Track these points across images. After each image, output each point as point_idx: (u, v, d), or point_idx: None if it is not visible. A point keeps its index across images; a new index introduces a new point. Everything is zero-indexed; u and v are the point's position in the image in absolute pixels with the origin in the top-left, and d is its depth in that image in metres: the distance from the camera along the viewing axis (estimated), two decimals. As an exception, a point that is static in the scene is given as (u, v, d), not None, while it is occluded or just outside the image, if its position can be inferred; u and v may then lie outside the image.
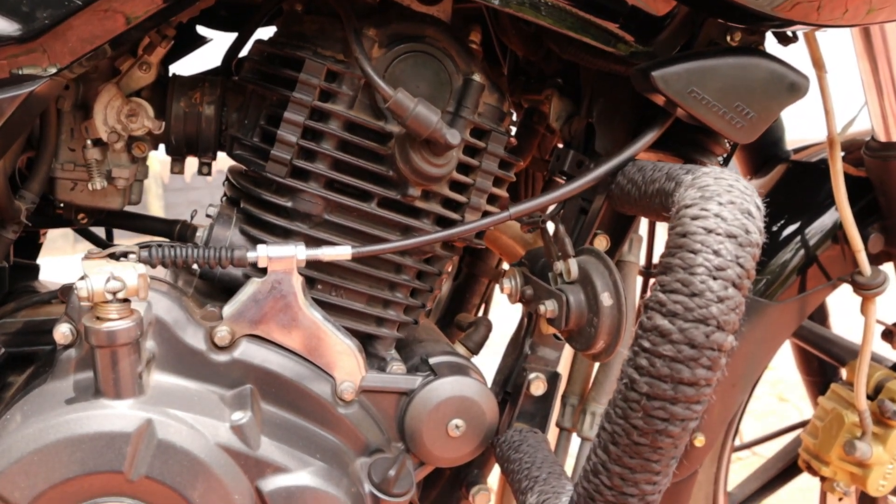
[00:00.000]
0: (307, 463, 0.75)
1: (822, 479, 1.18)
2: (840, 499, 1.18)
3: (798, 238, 1.13)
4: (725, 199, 0.59)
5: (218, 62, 0.96)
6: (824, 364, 1.36)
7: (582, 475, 0.65)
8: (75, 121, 0.86)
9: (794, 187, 1.19)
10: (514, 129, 1.01)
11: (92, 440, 0.68)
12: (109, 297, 0.68)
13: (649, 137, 0.86)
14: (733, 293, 0.56)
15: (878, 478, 1.11)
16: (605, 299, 0.81)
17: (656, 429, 0.57)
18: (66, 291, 0.82)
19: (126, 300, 0.69)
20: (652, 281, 1.14)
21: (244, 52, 0.98)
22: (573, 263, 0.84)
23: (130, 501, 0.70)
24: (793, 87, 0.86)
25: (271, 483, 0.73)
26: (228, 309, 0.78)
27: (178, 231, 0.99)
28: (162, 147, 0.90)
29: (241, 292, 0.79)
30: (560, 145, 1.12)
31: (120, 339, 0.68)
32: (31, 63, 0.68)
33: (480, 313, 1.15)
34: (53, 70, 0.69)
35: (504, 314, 1.24)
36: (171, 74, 0.90)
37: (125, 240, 0.99)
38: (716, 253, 0.56)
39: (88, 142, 0.83)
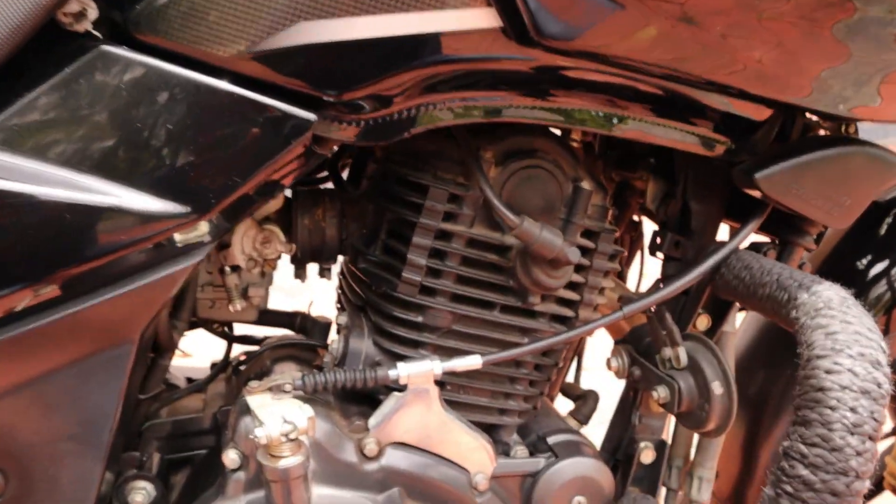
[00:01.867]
0: (457, 560, 0.84)
1: (905, 500, 1.24)
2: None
3: (883, 279, 1.17)
4: (856, 352, 0.65)
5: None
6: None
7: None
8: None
9: (875, 226, 1.22)
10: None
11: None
12: (283, 439, 0.75)
13: (749, 229, 0.91)
14: (870, 446, 0.62)
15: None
16: (716, 388, 0.88)
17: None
18: (224, 415, 0.90)
19: (296, 439, 0.77)
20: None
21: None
22: (682, 351, 0.91)
23: None
24: (888, 169, 0.89)
25: (430, 583, 0.82)
26: (374, 421, 0.85)
27: (298, 323, 1.06)
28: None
29: (384, 405, 0.86)
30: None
31: (294, 474, 0.76)
32: (195, 232, 0.74)
33: (574, 364, 1.21)
34: (211, 238, 0.75)
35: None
36: (292, 192, 0.95)
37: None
38: (852, 410, 0.62)
39: (227, 268, 0.90)
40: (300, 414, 0.76)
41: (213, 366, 1.09)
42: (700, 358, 0.90)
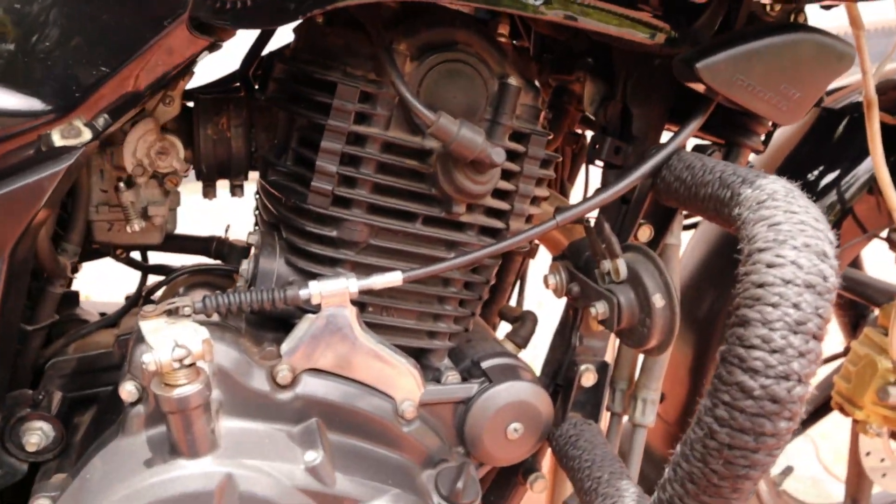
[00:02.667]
0: (380, 490, 0.78)
1: (855, 420, 1.21)
2: (872, 438, 1.22)
3: (834, 190, 1.12)
4: (800, 242, 0.58)
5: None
6: (856, 301, 1.38)
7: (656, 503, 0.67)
8: (103, 158, 0.83)
9: (828, 134, 1.16)
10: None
11: (178, 502, 0.70)
12: (177, 365, 0.68)
13: (691, 128, 0.84)
14: (814, 346, 0.56)
15: (911, 419, 1.14)
16: (658, 301, 0.81)
17: (737, 474, 0.58)
18: (123, 345, 0.82)
19: (192, 365, 0.69)
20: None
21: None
22: (622, 263, 0.84)
23: (220, 551, 0.72)
24: (840, 59, 0.83)
25: (350, 517, 0.76)
26: (286, 346, 0.78)
27: (214, 248, 0.98)
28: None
29: (297, 329, 0.79)
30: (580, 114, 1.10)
31: (192, 403, 0.69)
32: (64, 134, 0.65)
33: (517, 291, 1.15)
34: (88, 137, 0.66)
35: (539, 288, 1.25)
36: (193, 100, 0.86)
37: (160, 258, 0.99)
38: (795, 306, 0.56)
39: (121, 184, 0.81)
40: (194, 337, 0.69)
41: (127, 299, 1.00)
42: (641, 270, 0.83)
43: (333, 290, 0.76)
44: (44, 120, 0.63)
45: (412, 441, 0.83)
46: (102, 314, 1.03)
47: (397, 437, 0.82)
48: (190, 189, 0.94)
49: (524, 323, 0.98)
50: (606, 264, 0.85)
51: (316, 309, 0.78)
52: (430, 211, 0.81)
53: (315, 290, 0.76)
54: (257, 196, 0.93)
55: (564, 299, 0.95)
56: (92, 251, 0.92)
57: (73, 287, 1.03)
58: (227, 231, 0.99)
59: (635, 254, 0.85)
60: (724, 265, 1.26)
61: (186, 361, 0.68)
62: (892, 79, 1.15)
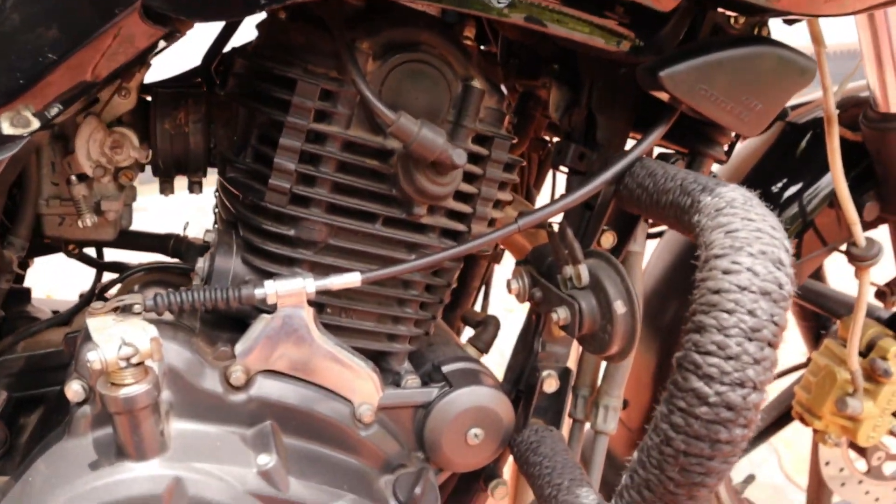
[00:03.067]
0: (336, 496, 0.76)
1: (815, 430, 1.22)
2: (831, 448, 1.23)
3: (796, 202, 1.12)
4: (756, 249, 0.58)
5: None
6: (818, 313, 1.39)
7: (614, 511, 0.67)
8: (55, 154, 0.81)
9: (791, 148, 1.17)
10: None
11: (122, 505, 0.68)
12: (123, 363, 0.66)
13: (654, 136, 0.84)
14: (769, 353, 0.56)
15: (867, 430, 1.15)
16: (619, 307, 0.81)
17: (693, 482, 0.58)
18: (71, 343, 0.80)
19: (139, 364, 0.67)
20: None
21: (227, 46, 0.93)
22: (583, 269, 0.83)
23: (167, 557, 0.70)
24: (801, 73, 0.83)
25: (303, 523, 0.74)
26: (241, 347, 0.77)
27: (172, 246, 0.96)
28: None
29: (252, 329, 0.77)
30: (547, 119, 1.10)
31: (139, 403, 0.67)
32: (12, 122, 0.63)
33: (481, 295, 1.14)
34: (36, 126, 0.64)
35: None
36: (151, 94, 0.84)
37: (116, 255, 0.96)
38: (750, 313, 0.56)
39: (73, 178, 0.79)
40: (143, 335, 0.67)
41: (81, 297, 0.98)
42: (603, 276, 0.83)
43: (290, 290, 0.75)
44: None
45: (370, 446, 0.82)
46: (55, 312, 1.00)
47: (354, 441, 0.81)
48: (149, 188, 0.92)
49: (486, 327, 0.97)
50: (568, 270, 0.85)
51: (272, 309, 0.76)
52: (390, 212, 0.80)
53: (271, 289, 0.74)
54: (216, 193, 0.92)
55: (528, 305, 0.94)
56: (43, 246, 0.90)
57: (33, 285, 1.00)
58: (185, 229, 0.97)
59: (597, 260, 0.85)
60: (688, 274, 1.25)
61: (134, 360, 0.66)
62: (853, 96, 1.17)
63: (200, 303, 0.74)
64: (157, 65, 0.85)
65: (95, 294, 0.96)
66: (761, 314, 0.56)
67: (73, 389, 0.72)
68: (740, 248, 0.59)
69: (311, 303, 0.77)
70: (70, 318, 0.95)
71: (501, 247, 1.09)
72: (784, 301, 0.57)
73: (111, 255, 0.99)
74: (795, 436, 1.77)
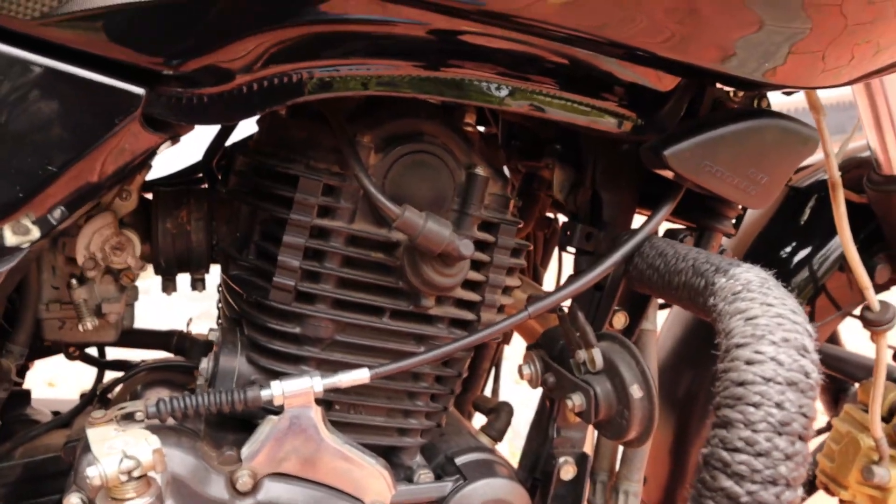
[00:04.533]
0: None
1: (841, 501, 1.18)
2: (861, 519, 1.18)
3: (806, 267, 1.11)
4: (779, 337, 0.56)
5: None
6: (835, 377, 1.36)
7: None
8: (54, 256, 0.80)
9: (796, 213, 1.17)
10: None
11: None
12: (125, 477, 0.63)
13: (662, 214, 0.83)
14: (800, 447, 0.53)
15: (899, 500, 1.11)
16: (635, 391, 0.79)
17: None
18: (70, 453, 0.77)
19: (142, 476, 0.65)
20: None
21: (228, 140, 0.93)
22: (597, 353, 0.81)
23: None
24: (804, 143, 0.83)
25: None
26: (247, 450, 0.74)
27: (175, 344, 0.94)
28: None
29: (258, 432, 0.74)
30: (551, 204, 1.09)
31: (141, 525, 0.64)
32: (14, 232, 0.62)
33: (492, 376, 1.12)
34: (37, 236, 0.63)
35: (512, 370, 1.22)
36: (152, 192, 0.84)
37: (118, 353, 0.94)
38: (778, 406, 0.53)
39: (74, 281, 0.78)
40: (144, 447, 0.65)
41: (82, 396, 0.95)
42: (617, 359, 0.81)
43: (297, 390, 0.73)
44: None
45: (382, 548, 0.78)
46: (56, 413, 0.98)
47: (366, 544, 0.77)
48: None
49: (499, 415, 0.94)
50: (581, 354, 0.83)
51: (279, 409, 0.74)
52: (397, 305, 0.78)
53: (277, 390, 0.72)
54: (220, 290, 0.90)
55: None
56: (43, 349, 0.88)
57: (35, 373, 0.98)
58: (188, 325, 0.96)
59: (611, 343, 0.83)
60: (701, 344, 1.24)
61: (135, 473, 0.64)
62: (854, 157, 1.16)
63: (205, 407, 0.71)
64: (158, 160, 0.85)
65: (97, 394, 0.94)
66: (789, 406, 0.54)
67: (72, 503, 0.69)
68: (762, 337, 0.57)
69: (318, 401, 0.75)
70: (70, 419, 0.92)
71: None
72: (812, 391, 0.55)
73: (113, 353, 0.97)
74: None
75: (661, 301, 0.97)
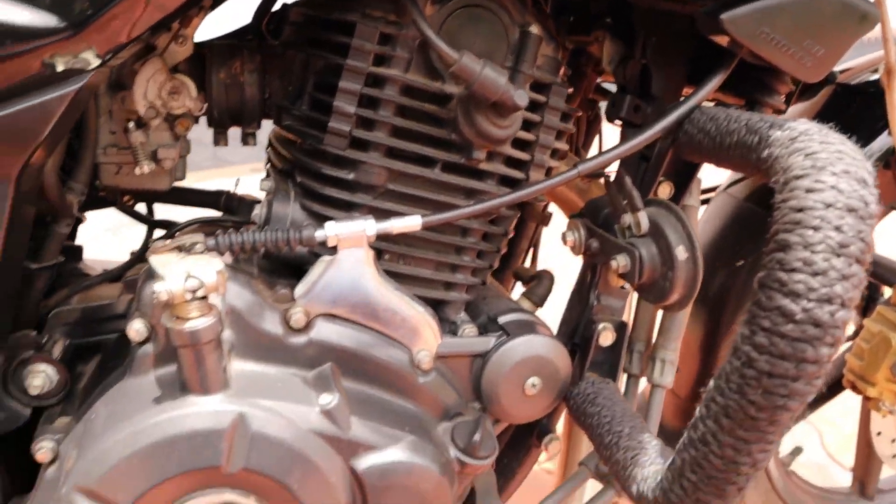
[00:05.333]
0: (396, 438, 0.75)
1: (867, 398, 1.20)
2: (884, 416, 1.20)
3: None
4: (839, 169, 0.57)
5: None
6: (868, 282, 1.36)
7: (686, 443, 0.65)
8: (112, 101, 0.81)
9: (843, 111, 1.16)
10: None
11: (188, 439, 0.67)
12: (189, 296, 0.66)
13: (715, 82, 0.83)
14: (857, 270, 0.54)
15: (926, 395, 1.13)
16: (680, 253, 0.80)
17: (775, 405, 0.56)
18: (132, 285, 0.80)
19: (204, 297, 0.67)
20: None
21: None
22: (643, 216, 0.82)
23: (231, 492, 0.70)
24: (863, 19, 0.82)
25: (365, 462, 0.73)
26: (301, 289, 0.76)
27: (223, 202, 0.96)
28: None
29: (311, 272, 0.77)
30: (599, 80, 1.09)
31: (203, 337, 0.67)
32: (74, 56, 0.63)
33: (529, 257, 1.13)
34: (97, 62, 0.64)
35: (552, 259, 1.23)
36: (206, 48, 0.84)
37: (166, 213, 0.96)
38: (837, 229, 0.54)
39: (131, 124, 0.79)
40: (208, 268, 0.67)
41: (132, 255, 0.98)
42: (663, 223, 0.82)
43: (350, 232, 0.74)
44: (51, 40, 0.61)
45: (428, 392, 0.81)
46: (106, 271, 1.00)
47: (413, 387, 0.80)
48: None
49: (541, 281, 0.96)
50: (627, 218, 0.84)
51: (332, 252, 0.76)
52: (449, 157, 0.79)
53: (332, 230, 0.74)
54: (268, 149, 0.91)
55: (578, 269, 0.93)
56: (98, 200, 0.90)
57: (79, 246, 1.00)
58: (236, 185, 0.97)
59: (657, 208, 0.84)
60: (735, 242, 1.25)
61: (199, 293, 0.66)
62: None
63: (262, 244, 0.73)
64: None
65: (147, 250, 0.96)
66: (848, 230, 0.54)
67: (135, 329, 0.72)
68: (822, 168, 0.58)
69: (371, 248, 0.76)
70: (122, 274, 0.95)
71: (550, 211, 1.08)
72: (870, 219, 0.56)
73: (162, 213, 0.99)
74: (839, 416, 1.74)
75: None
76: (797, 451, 1.38)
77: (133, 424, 0.68)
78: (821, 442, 1.70)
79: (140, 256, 0.96)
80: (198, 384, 0.69)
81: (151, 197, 0.93)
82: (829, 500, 1.42)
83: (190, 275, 0.66)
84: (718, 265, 1.26)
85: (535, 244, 1.11)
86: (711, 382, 0.62)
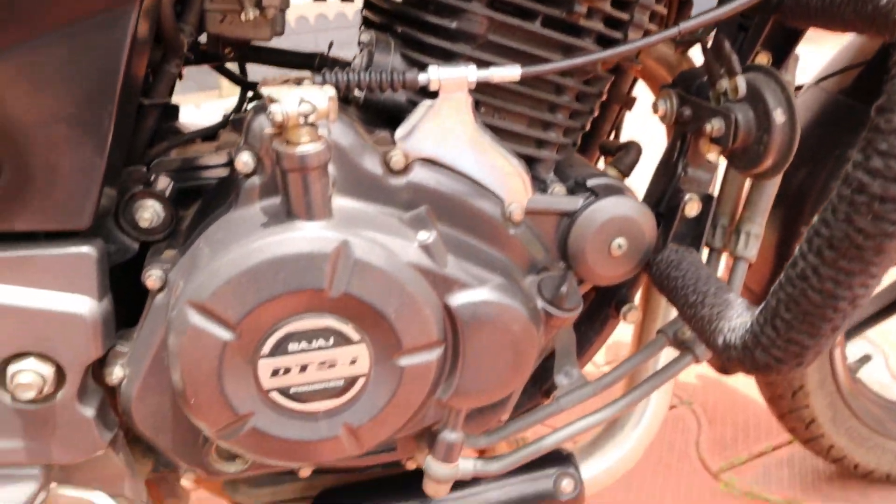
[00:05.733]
0: (488, 279, 0.78)
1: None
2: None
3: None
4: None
5: None
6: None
7: (783, 281, 0.66)
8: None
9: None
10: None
11: (294, 261, 0.70)
12: (301, 120, 0.68)
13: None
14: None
15: None
16: (778, 116, 0.79)
17: (885, 231, 0.57)
18: (238, 123, 0.82)
19: (314, 124, 0.69)
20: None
21: None
22: (741, 80, 0.82)
23: (332, 318, 0.73)
24: None
25: (459, 299, 0.76)
26: (401, 132, 0.78)
27: (318, 64, 0.98)
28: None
29: (412, 115, 0.78)
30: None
31: (313, 162, 0.69)
32: None
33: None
34: None
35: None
36: None
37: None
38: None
39: (239, -30, 0.81)
40: (320, 95, 0.68)
41: (226, 116, 1.01)
42: (761, 86, 0.81)
43: (453, 77, 0.76)
44: None
45: (517, 244, 0.83)
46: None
47: (503, 238, 0.82)
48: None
49: (628, 151, 0.96)
50: (723, 84, 0.83)
51: (433, 97, 0.77)
52: (550, 10, 0.79)
53: (434, 74, 0.75)
54: (363, 10, 0.92)
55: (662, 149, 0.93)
56: (200, 55, 0.92)
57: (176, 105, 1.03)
58: (329, 48, 0.99)
59: (755, 73, 0.83)
60: (823, 137, 1.22)
61: (311, 119, 0.68)
62: None
63: (367, 83, 0.75)
64: None
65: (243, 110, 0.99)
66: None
67: (243, 160, 0.74)
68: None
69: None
70: (216, 131, 0.98)
71: (634, 94, 1.08)
72: None
73: (256, 74, 1.01)
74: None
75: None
76: (865, 358, 1.38)
77: (242, 246, 0.71)
78: (885, 363, 1.68)
79: (236, 112, 0.99)
80: (304, 210, 0.71)
81: (248, 55, 0.95)
82: (894, 412, 1.41)
83: (303, 99, 0.68)
84: (801, 162, 1.24)
85: (617, 127, 1.11)
86: (815, 217, 0.62)
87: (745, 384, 1.76)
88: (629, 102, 1.09)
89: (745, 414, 1.66)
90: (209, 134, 0.97)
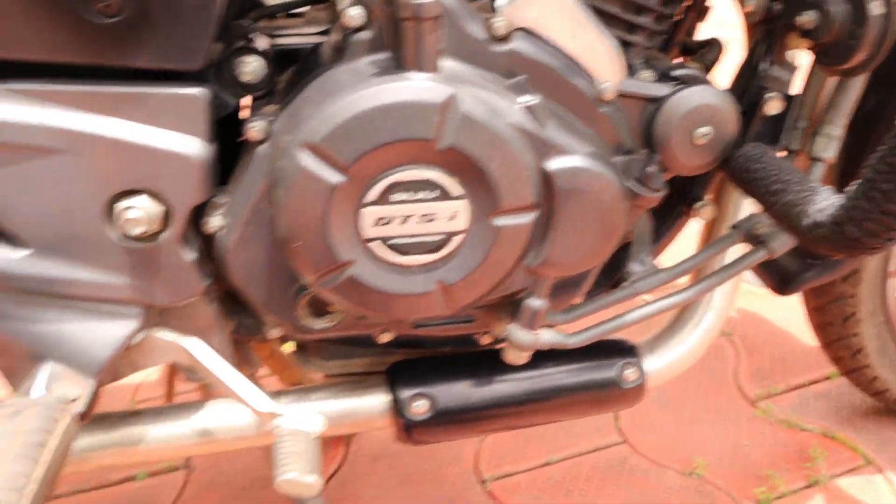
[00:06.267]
0: (584, 147, 0.79)
1: None
2: None
3: None
4: None
5: None
6: None
7: (887, 151, 0.67)
8: None
9: None
10: None
11: (404, 109, 0.72)
12: (420, -32, 0.69)
13: None
14: None
15: None
16: (875, 7, 0.80)
17: None
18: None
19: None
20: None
21: None
22: (837, -29, 0.83)
23: (437, 171, 0.75)
24: None
25: (557, 163, 0.78)
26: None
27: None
28: None
29: (516, -15, 0.79)
30: None
31: (427, 11, 0.71)
32: None
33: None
34: None
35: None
36: None
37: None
38: None
39: None
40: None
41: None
42: (857, -21, 0.82)
43: (560, -55, 0.77)
44: None
45: (607, 123, 0.84)
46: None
47: (594, 115, 0.83)
48: None
49: (711, 48, 0.97)
50: (818, -25, 0.84)
51: (536, -34, 0.78)
52: None
53: (543, -59, 0.76)
54: None
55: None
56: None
57: None
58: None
59: (850, -32, 0.84)
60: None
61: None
62: None
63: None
64: None
65: None
66: None
67: (352, 14, 0.76)
68: None
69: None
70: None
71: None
72: None
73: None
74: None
75: None
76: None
77: (355, 92, 0.73)
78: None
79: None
80: (414, 60, 0.73)
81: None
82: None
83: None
84: (869, 89, 1.25)
85: (690, 35, 1.12)
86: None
87: (784, 319, 1.78)
88: (703, 11, 1.10)
89: (783, 349, 1.69)
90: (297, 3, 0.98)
